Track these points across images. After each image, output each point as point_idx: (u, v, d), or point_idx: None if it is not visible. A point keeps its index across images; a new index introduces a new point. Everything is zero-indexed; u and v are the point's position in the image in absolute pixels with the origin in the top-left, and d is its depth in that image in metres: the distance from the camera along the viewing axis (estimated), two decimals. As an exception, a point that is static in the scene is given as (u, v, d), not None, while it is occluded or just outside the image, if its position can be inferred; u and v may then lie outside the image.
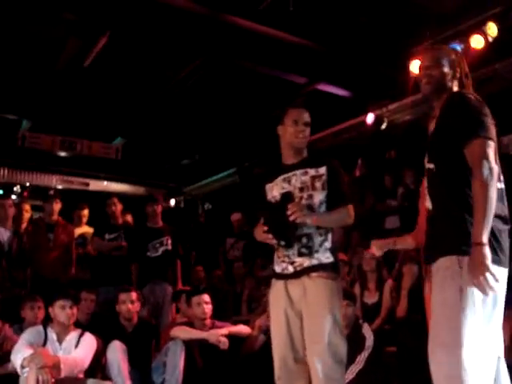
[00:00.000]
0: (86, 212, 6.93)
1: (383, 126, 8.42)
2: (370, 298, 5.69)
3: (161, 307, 5.98)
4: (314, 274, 3.02)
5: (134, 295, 4.95)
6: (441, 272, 2.31)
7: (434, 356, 2.26)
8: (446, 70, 2.52)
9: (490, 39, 6.04)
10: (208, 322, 4.82)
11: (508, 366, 2.42)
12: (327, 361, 2.91)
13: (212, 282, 7.76)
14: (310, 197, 3.08)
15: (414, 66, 6.82)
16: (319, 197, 3.10)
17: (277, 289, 3.16)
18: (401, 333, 4.97)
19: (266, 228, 3.02)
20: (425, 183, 2.55)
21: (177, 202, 13.28)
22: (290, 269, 3.08)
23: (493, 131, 2.32)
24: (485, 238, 2.18)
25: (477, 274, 2.17)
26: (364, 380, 4.52)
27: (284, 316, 3.05)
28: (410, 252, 5.16)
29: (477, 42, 6.18)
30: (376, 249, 3.34)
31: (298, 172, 3.15)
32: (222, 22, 6.33)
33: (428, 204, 2.47)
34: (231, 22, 6.32)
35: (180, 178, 12.70)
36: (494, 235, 2.26)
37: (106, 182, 12.01)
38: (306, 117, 3.22)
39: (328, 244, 3.11)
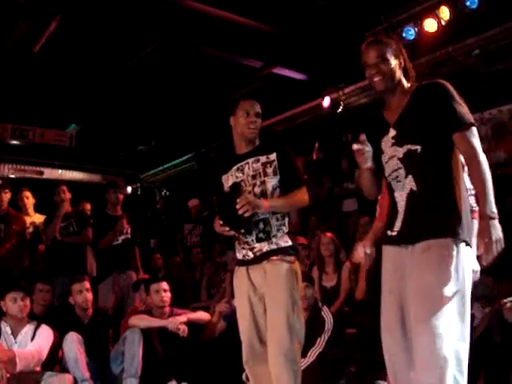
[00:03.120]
0: (27, 194, 6.68)
1: (339, 109, 8.46)
2: (329, 282, 5.74)
3: (127, 295, 5.92)
4: (273, 258, 3.11)
5: (87, 284, 4.88)
6: (435, 251, 2.35)
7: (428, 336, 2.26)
8: (393, 62, 2.59)
9: (443, 22, 6.09)
10: (167, 309, 4.79)
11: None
12: (285, 341, 2.98)
13: (170, 269, 7.71)
14: (263, 183, 3.17)
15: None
16: (272, 182, 3.18)
17: (239, 275, 3.24)
18: (360, 315, 5.02)
19: (221, 222, 3.08)
20: (390, 165, 2.59)
21: (133, 189, 13.12)
22: (250, 255, 3.17)
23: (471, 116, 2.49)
24: (491, 211, 2.31)
25: (492, 249, 2.26)
26: (325, 362, 4.56)
27: (248, 301, 3.14)
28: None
29: (430, 25, 6.24)
30: (368, 248, 3.49)
31: (250, 160, 3.24)
32: (177, 5, 6.22)
33: (406, 184, 2.51)
34: (186, 5, 6.22)
35: (136, 164, 12.53)
36: (468, 214, 2.44)
37: (60, 170, 11.77)
38: (257, 108, 3.30)
39: (285, 228, 3.20)
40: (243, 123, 3.25)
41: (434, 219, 2.40)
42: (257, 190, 3.16)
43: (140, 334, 4.46)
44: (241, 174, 3.24)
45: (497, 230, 2.28)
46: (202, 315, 5.04)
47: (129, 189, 13.00)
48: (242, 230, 3.11)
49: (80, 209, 6.86)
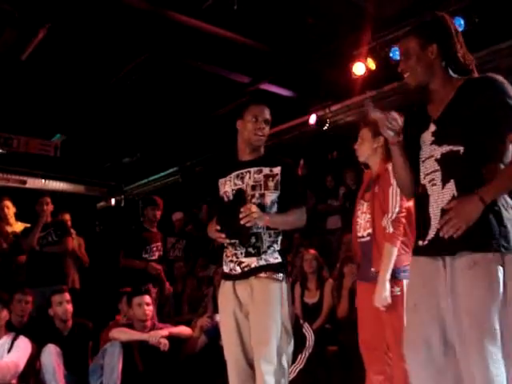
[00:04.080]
0: (7, 204, 6.61)
1: (325, 127, 8.51)
2: (311, 298, 5.73)
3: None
4: (261, 275, 2.98)
5: (67, 295, 4.83)
6: (483, 267, 2.15)
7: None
8: (423, 53, 2.40)
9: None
10: (148, 323, 4.76)
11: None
12: (272, 361, 2.87)
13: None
14: (262, 196, 3.04)
15: (357, 68, 6.93)
16: (271, 197, 3.05)
17: (225, 290, 3.11)
18: (342, 332, 5.02)
19: (218, 227, 2.97)
20: (427, 166, 2.37)
21: (117, 201, 13.05)
22: (238, 269, 3.04)
23: None
24: (491, 200, 2.14)
25: (457, 223, 2.14)
26: (306, 379, 4.54)
27: (233, 318, 3.02)
28: (351, 253, 5.22)
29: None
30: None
31: (252, 170, 3.10)
32: (166, 18, 6.23)
33: (446, 189, 2.28)
34: (175, 19, 6.23)
35: (121, 176, 12.48)
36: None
37: (44, 180, 11.68)
38: (267, 114, 3.16)
39: (277, 246, 3.07)
40: (251, 129, 3.10)
41: (478, 230, 2.16)
42: (254, 201, 3.00)
43: (120, 347, 4.42)
44: (240, 182, 3.10)
45: (473, 213, 2.15)
46: (183, 330, 5.01)
47: (112, 200, 12.94)
48: (237, 241, 3.01)
49: (59, 219, 6.80)
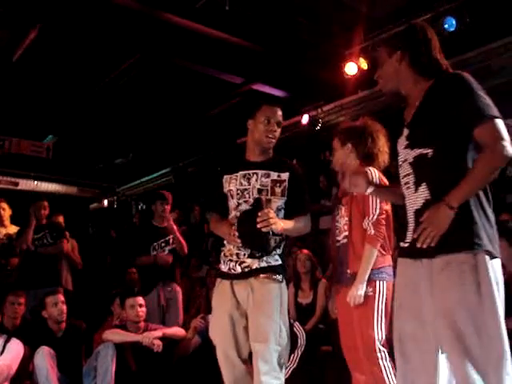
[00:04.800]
0: (3, 206, 6.58)
1: (318, 127, 8.52)
2: (304, 299, 5.72)
3: (167, 309, 5.72)
4: (262, 276, 2.99)
5: (62, 296, 4.81)
6: (454, 267, 2.17)
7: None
8: (390, 61, 2.47)
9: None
10: (142, 324, 4.74)
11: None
12: (270, 360, 2.89)
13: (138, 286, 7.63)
14: (269, 201, 3.02)
15: (349, 68, 6.94)
16: (278, 203, 3.05)
17: (222, 289, 3.09)
18: (335, 332, 5.01)
19: (236, 234, 2.94)
20: (402, 170, 2.42)
21: (110, 202, 13.03)
22: (238, 269, 3.03)
23: (496, 109, 2.25)
24: (458, 205, 2.16)
25: (431, 231, 2.18)
26: (299, 379, 4.54)
27: (229, 317, 3.00)
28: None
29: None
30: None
31: (260, 172, 3.08)
32: (158, 19, 6.23)
33: (419, 192, 2.32)
34: (167, 19, 6.23)
35: (113, 177, 12.47)
36: (491, 226, 2.23)
37: (36, 182, 11.65)
38: (279, 116, 3.14)
39: (279, 250, 3.08)
40: (262, 130, 3.08)
41: (450, 233, 2.19)
42: None
43: (113, 348, 4.40)
44: (246, 183, 3.07)
45: (443, 220, 2.18)
46: (177, 331, 4.99)
47: (105, 202, 12.92)
48: (258, 253, 3.00)
49: (54, 221, 6.78)
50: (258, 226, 2.83)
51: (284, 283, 3.05)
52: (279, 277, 3.02)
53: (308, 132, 8.72)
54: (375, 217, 3.21)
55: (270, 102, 3.19)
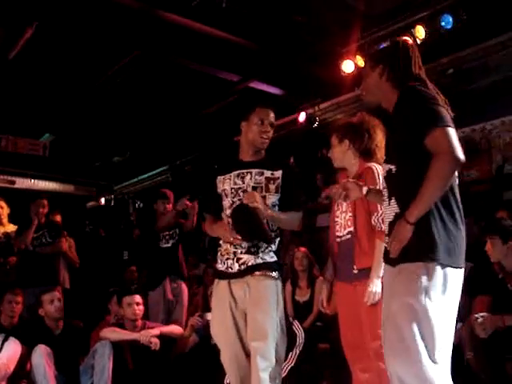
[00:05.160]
0: (2, 204, 6.57)
1: (315, 125, 8.51)
2: (302, 296, 5.73)
3: (173, 306, 5.67)
4: (257, 273, 3.05)
5: (58, 293, 4.80)
6: (405, 274, 2.31)
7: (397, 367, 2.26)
8: (371, 75, 2.57)
9: (418, 41, 6.18)
10: (139, 322, 4.74)
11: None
12: (267, 357, 2.92)
13: (143, 282, 7.64)
14: (263, 198, 3.07)
15: (346, 66, 6.94)
16: (272, 199, 3.13)
17: (220, 289, 3.16)
18: (333, 330, 5.01)
19: (238, 236, 3.01)
20: (383, 185, 2.58)
21: (107, 200, 13.01)
22: (235, 267, 3.09)
23: (449, 118, 2.30)
24: (415, 220, 2.26)
25: (394, 245, 2.32)
26: (296, 377, 4.54)
27: (231, 315, 3.07)
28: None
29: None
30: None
31: (254, 171, 3.17)
32: (155, 17, 6.21)
33: (391, 206, 2.44)
34: (163, 17, 6.21)
35: (110, 175, 12.45)
36: (451, 237, 2.30)
37: (33, 180, 11.63)
38: (272, 117, 3.26)
39: (274, 247, 3.14)
40: (256, 131, 3.20)
41: (409, 244, 2.30)
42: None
43: (110, 346, 4.40)
44: (240, 182, 3.17)
45: (403, 235, 2.29)
46: (174, 329, 4.99)
47: (102, 200, 12.90)
48: (260, 243, 3.07)
49: (52, 220, 6.77)
50: (245, 201, 2.95)
51: (280, 280, 3.11)
52: (275, 273, 3.08)
53: (305, 130, 8.71)
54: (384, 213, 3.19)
55: (263, 104, 3.29)
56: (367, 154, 3.42)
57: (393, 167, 2.41)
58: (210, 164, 9.66)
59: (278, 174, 3.18)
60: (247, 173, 3.18)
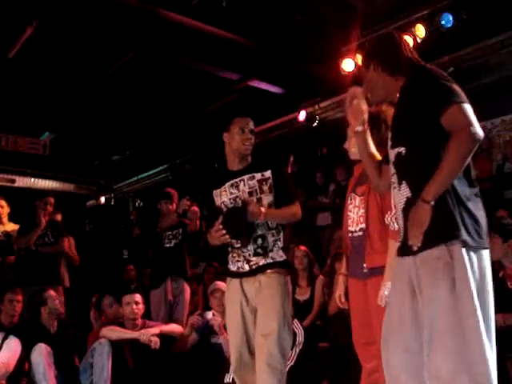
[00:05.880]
0: (2, 203, 6.56)
1: (315, 123, 8.51)
2: (302, 295, 5.73)
3: (175, 305, 5.68)
4: (268, 271, 3.25)
5: (53, 292, 4.80)
6: (429, 263, 2.20)
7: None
8: (369, 74, 2.55)
9: (419, 40, 6.18)
10: (139, 321, 4.74)
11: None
12: (273, 352, 3.07)
13: (143, 281, 7.64)
14: (260, 200, 3.27)
15: (346, 65, 6.94)
16: (268, 199, 3.29)
17: (232, 287, 3.35)
18: (333, 328, 5.02)
19: (223, 231, 3.16)
20: (390, 171, 2.47)
21: (107, 199, 13.00)
22: (246, 267, 3.29)
23: (464, 95, 2.27)
24: (433, 198, 2.18)
25: (415, 231, 2.21)
26: (296, 376, 4.53)
27: (240, 312, 3.26)
28: (342, 249, 5.21)
29: (406, 42, 6.32)
30: None
31: (245, 177, 3.33)
32: (154, 15, 6.20)
33: (402, 191, 2.36)
34: (164, 16, 6.20)
35: (110, 174, 12.44)
36: (472, 216, 2.22)
37: (33, 179, 11.62)
38: (251, 125, 3.42)
39: (280, 243, 3.34)
40: (238, 140, 3.34)
41: (428, 227, 2.20)
42: None
43: (109, 345, 4.39)
44: (236, 191, 3.33)
45: (423, 217, 2.20)
46: (174, 327, 4.99)
47: (102, 199, 12.89)
48: (240, 241, 3.27)
49: (55, 219, 6.75)
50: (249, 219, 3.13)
51: (289, 278, 3.32)
52: (284, 271, 3.28)
53: (305, 128, 8.71)
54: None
55: (241, 115, 3.47)
56: (382, 146, 3.32)
57: (402, 149, 2.35)
58: (210, 163, 9.68)
59: (268, 173, 3.33)
60: (240, 181, 3.34)
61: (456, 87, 2.26)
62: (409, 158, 2.33)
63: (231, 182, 3.35)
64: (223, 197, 3.36)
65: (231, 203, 3.32)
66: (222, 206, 3.36)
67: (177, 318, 5.52)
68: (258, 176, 3.32)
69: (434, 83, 2.27)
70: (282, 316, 3.14)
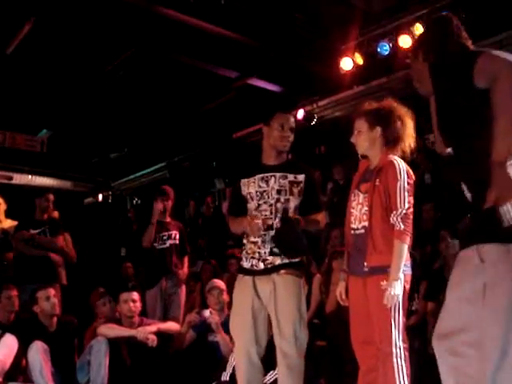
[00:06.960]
0: None
1: (313, 122, 8.51)
2: (300, 294, 5.71)
3: (170, 304, 5.69)
4: (283, 271, 3.22)
5: (53, 290, 4.78)
6: (462, 264, 2.11)
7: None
8: (419, 60, 2.40)
9: (417, 39, 6.18)
10: (136, 319, 4.73)
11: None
12: (291, 353, 3.11)
13: (140, 279, 7.63)
14: (287, 201, 3.27)
15: (345, 63, 6.94)
16: (295, 202, 3.29)
17: (244, 283, 3.30)
18: (330, 327, 5.02)
19: (260, 224, 3.19)
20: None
21: (105, 197, 12.99)
22: (261, 266, 3.25)
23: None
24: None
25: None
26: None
27: (250, 312, 3.22)
28: (339, 248, 5.22)
29: (404, 41, 6.33)
30: None
31: (278, 174, 3.32)
32: (154, 13, 6.20)
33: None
34: (163, 13, 6.20)
35: (108, 172, 12.43)
36: None
37: (30, 176, 11.61)
38: (292, 123, 3.44)
39: None
40: (277, 136, 3.35)
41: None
42: (279, 205, 3.26)
43: (106, 343, 4.39)
44: (265, 185, 3.32)
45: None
46: (172, 325, 4.98)
47: (100, 196, 12.88)
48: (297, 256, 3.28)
49: (52, 216, 6.73)
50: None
51: (303, 278, 3.33)
52: (299, 272, 3.28)
53: (303, 127, 8.70)
54: (404, 211, 3.05)
55: (284, 110, 3.49)
56: (394, 143, 3.27)
57: (449, 149, 2.22)
58: (208, 161, 9.68)
59: (301, 178, 3.34)
60: (271, 176, 3.32)
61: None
62: (459, 157, 2.18)
63: (262, 175, 3.34)
64: (251, 188, 3.35)
65: (257, 196, 3.31)
66: (248, 196, 3.35)
67: (173, 317, 5.51)
68: (291, 177, 3.32)
69: (461, 53, 2.18)
70: (297, 317, 3.15)
